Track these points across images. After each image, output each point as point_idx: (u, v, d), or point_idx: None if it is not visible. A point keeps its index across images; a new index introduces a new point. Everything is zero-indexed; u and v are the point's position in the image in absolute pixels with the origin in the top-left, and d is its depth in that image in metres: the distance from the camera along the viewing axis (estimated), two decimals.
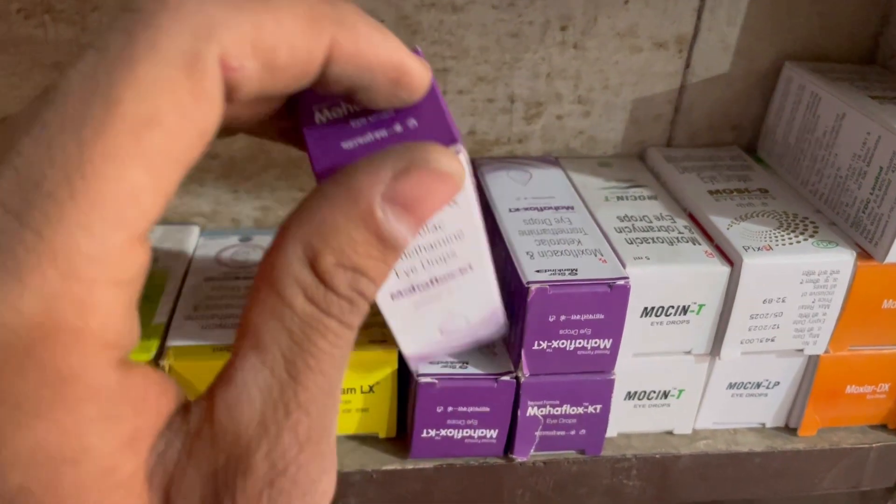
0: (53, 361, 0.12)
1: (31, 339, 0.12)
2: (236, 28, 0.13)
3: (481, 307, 0.26)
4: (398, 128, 0.18)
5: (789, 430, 0.33)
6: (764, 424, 0.33)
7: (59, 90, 0.13)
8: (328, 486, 0.15)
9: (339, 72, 0.15)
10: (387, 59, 0.16)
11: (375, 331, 0.29)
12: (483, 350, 0.29)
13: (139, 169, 0.13)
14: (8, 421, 0.12)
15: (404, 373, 0.30)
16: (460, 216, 0.21)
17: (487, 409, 0.29)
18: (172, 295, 0.31)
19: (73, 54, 0.30)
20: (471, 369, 0.28)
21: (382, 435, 0.31)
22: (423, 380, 0.28)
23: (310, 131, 0.18)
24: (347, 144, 0.17)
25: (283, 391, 0.14)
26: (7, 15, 0.31)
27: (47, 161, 0.12)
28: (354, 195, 0.15)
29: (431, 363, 0.29)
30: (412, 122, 0.18)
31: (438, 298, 0.24)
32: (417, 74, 0.16)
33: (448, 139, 0.17)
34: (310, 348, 0.14)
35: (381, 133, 0.18)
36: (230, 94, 0.14)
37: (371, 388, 0.30)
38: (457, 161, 0.16)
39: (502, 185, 0.33)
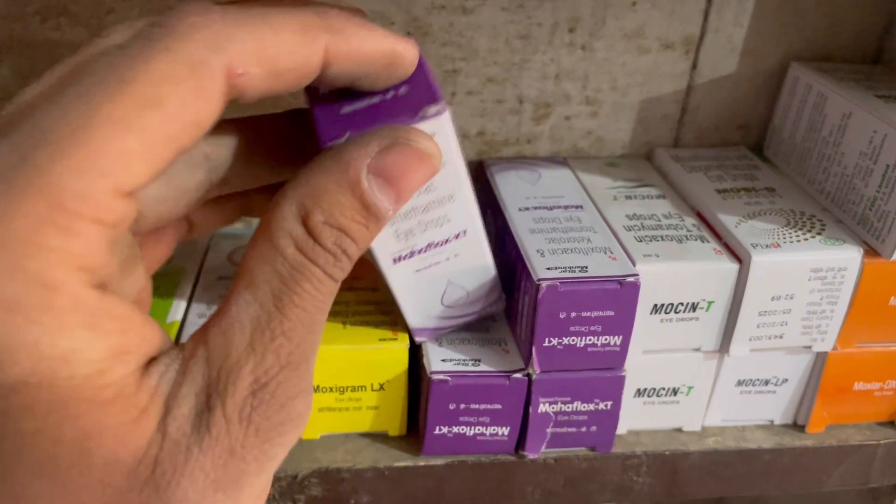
0: (40, 272, 0.15)
1: (19, 251, 0.14)
2: (241, 41, 0.16)
3: (478, 276, 0.27)
4: (390, 94, 0.21)
5: (798, 426, 0.34)
6: (772, 421, 0.34)
7: (83, 71, 0.15)
8: (304, 406, 0.18)
9: (338, 70, 0.18)
10: (378, 50, 0.19)
11: (386, 330, 0.30)
12: (495, 347, 0.30)
13: (134, 137, 0.15)
14: (3, 322, 0.14)
15: (414, 371, 0.30)
16: (449, 179, 0.23)
17: (499, 407, 0.29)
18: (186, 294, 0.31)
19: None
20: (483, 367, 0.29)
21: (392, 433, 0.31)
22: (435, 377, 0.28)
23: (315, 102, 0.21)
24: (346, 109, 0.20)
25: (270, 320, 0.17)
26: (23, 17, 0.32)
27: (61, 118, 0.15)
28: (345, 165, 0.18)
29: (439, 343, 0.30)
30: (403, 89, 0.21)
31: (437, 263, 0.25)
32: (407, 55, 0.20)
33: (432, 99, 0.21)
34: (295, 288, 0.17)
35: (376, 99, 0.21)
36: (243, 92, 0.17)
37: (381, 386, 0.30)
38: (435, 145, 0.19)
39: (512, 184, 0.34)
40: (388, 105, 0.21)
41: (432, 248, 0.26)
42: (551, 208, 0.32)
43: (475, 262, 0.27)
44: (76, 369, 0.15)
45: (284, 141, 0.23)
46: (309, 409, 0.18)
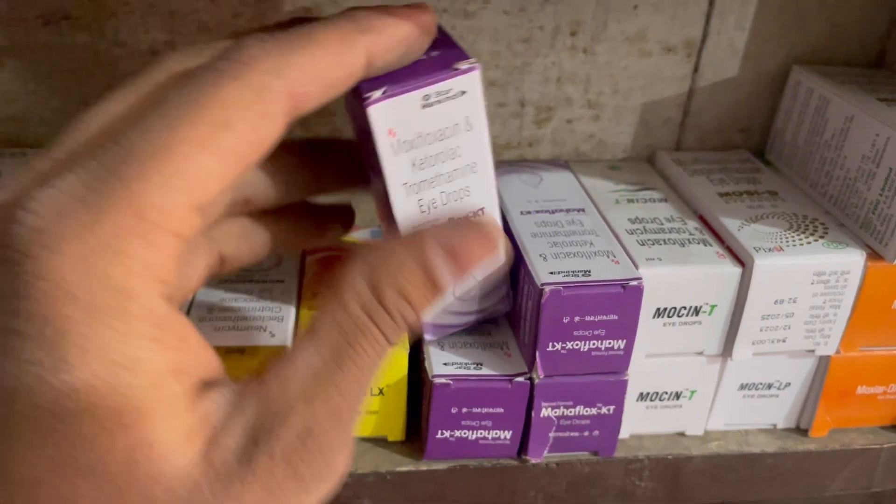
0: (120, 278, 0.16)
1: (105, 257, 0.16)
2: (297, 65, 0.18)
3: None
4: (424, 57, 0.23)
5: (800, 430, 0.33)
6: (775, 425, 0.33)
7: (162, 99, 0.17)
8: (344, 461, 0.18)
9: (381, 63, 0.21)
10: (408, 33, 0.21)
11: None
12: (497, 351, 0.30)
13: (210, 156, 0.17)
14: (81, 321, 0.15)
15: (415, 377, 0.30)
16: (475, 144, 0.25)
17: (501, 410, 0.29)
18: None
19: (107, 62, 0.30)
20: (485, 370, 0.29)
21: (392, 438, 0.31)
22: (437, 381, 0.28)
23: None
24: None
25: (328, 372, 0.18)
26: (26, 22, 0.32)
27: (145, 139, 0.16)
28: (418, 238, 0.19)
29: (441, 346, 0.30)
30: (434, 53, 0.23)
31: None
32: (430, 26, 0.22)
33: (462, 57, 0.23)
34: (354, 345, 0.18)
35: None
36: (302, 108, 0.19)
37: (381, 391, 0.30)
38: (500, 230, 0.20)
39: (513, 188, 0.34)
40: (423, 63, 0.23)
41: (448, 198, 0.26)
42: (553, 212, 0.32)
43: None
44: (136, 379, 0.16)
45: (304, 161, 0.26)
46: (347, 465, 0.18)
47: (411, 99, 0.23)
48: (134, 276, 0.16)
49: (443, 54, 0.24)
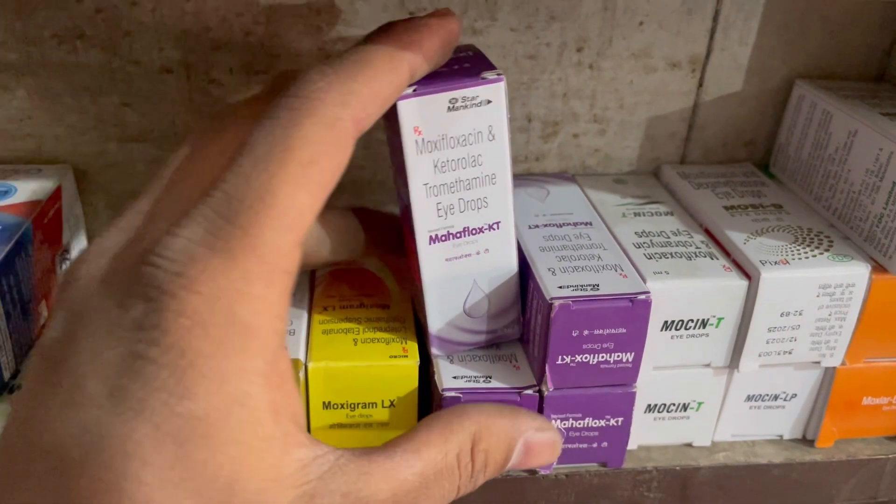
0: (245, 316, 0.18)
1: (232, 298, 0.17)
2: (357, 92, 0.20)
3: (502, 283, 0.29)
4: (457, 66, 0.26)
5: (807, 441, 0.34)
6: (782, 436, 0.34)
7: (249, 144, 0.19)
8: None
9: (420, 72, 0.23)
10: (441, 43, 0.23)
11: (396, 346, 0.30)
12: (505, 364, 0.30)
13: (304, 193, 0.19)
14: (209, 355, 0.17)
15: (425, 390, 0.30)
16: (496, 154, 0.26)
17: None
18: None
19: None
20: (494, 383, 0.29)
21: None
22: (447, 394, 0.28)
23: None
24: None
25: (415, 485, 0.21)
26: (41, 41, 0.32)
27: (248, 185, 0.18)
28: (516, 424, 0.24)
29: (451, 360, 0.30)
30: (467, 64, 0.26)
31: (467, 256, 0.28)
32: (456, 33, 0.24)
33: (491, 68, 0.26)
34: (442, 481, 0.22)
35: (444, 69, 0.25)
36: (364, 129, 0.21)
37: (392, 403, 0.30)
38: (561, 441, 0.27)
39: (521, 202, 0.34)
40: (454, 71, 0.25)
41: (467, 235, 0.27)
42: (560, 225, 0.32)
43: (502, 262, 0.28)
44: (244, 413, 0.17)
45: (352, 226, 0.29)
46: None
47: (439, 100, 0.25)
48: (257, 315, 0.18)
49: (473, 65, 0.26)
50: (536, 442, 0.24)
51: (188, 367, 0.17)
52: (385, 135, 0.28)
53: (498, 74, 0.25)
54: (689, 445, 0.33)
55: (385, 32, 0.23)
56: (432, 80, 0.25)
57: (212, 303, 0.17)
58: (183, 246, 0.18)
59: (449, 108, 0.25)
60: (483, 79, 0.25)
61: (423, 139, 0.25)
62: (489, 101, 0.25)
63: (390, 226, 0.31)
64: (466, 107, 0.25)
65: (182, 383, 0.17)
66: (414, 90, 0.24)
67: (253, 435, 0.18)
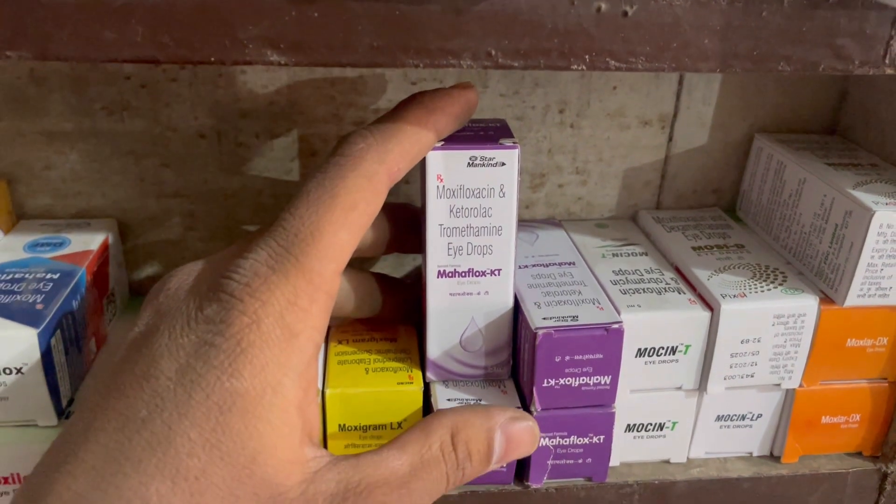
0: (291, 322, 0.22)
1: (285, 308, 0.22)
2: (392, 151, 0.26)
3: (497, 323, 0.32)
4: (482, 132, 0.31)
5: (774, 457, 0.37)
6: (751, 453, 0.37)
7: (305, 191, 0.24)
8: None
9: (444, 133, 0.29)
10: (462, 108, 0.29)
11: (403, 374, 0.34)
12: (494, 389, 0.34)
13: (345, 231, 0.24)
14: (257, 346, 0.22)
15: (427, 411, 0.34)
16: (505, 210, 0.31)
17: None
18: None
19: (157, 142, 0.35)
20: (485, 405, 0.33)
21: None
22: None
23: None
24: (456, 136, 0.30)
25: (404, 479, 0.24)
26: (92, 112, 0.37)
27: (300, 223, 0.24)
28: (492, 416, 0.27)
29: (446, 385, 0.34)
30: (491, 132, 0.31)
31: (468, 294, 0.32)
32: (474, 101, 0.29)
33: (508, 135, 0.31)
34: (428, 469, 0.25)
35: (469, 132, 0.31)
36: (396, 180, 0.26)
37: (399, 425, 0.34)
38: (538, 433, 0.28)
39: None
40: (479, 135, 0.30)
41: (471, 275, 0.32)
42: (547, 265, 0.36)
43: (500, 305, 0.32)
44: (276, 399, 0.22)
45: (388, 220, 0.34)
46: None
47: (460, 156, 0.30)
48: (299, 322, 0.23)
49: (496, 133, 0.31)
50: (514, 430, 0.27)
51: (241, 353, 0.22)
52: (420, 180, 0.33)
53: (514, 142, 0.30)
54: (667, 462, 0.36)
55: (416, 100, 0.28)
56: (459, 139, 0.30)
57: (267, 308, 0.22)
58: (251, 265, 0.23)
59: (469, 163, 0.30)
60: (501, 144, 0.30)
61: (443, 186, 0.30)
62: (503, 164, 0.30)
63: (406, 296, 0.36)
64: (484, 165, 0.30)
65: (234, 365, 0.21)
66: (442, 144, 0.29)
67: (280, 420, 0.22)
